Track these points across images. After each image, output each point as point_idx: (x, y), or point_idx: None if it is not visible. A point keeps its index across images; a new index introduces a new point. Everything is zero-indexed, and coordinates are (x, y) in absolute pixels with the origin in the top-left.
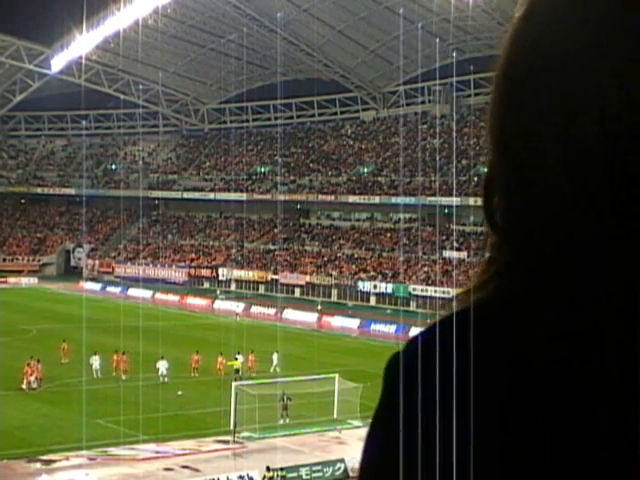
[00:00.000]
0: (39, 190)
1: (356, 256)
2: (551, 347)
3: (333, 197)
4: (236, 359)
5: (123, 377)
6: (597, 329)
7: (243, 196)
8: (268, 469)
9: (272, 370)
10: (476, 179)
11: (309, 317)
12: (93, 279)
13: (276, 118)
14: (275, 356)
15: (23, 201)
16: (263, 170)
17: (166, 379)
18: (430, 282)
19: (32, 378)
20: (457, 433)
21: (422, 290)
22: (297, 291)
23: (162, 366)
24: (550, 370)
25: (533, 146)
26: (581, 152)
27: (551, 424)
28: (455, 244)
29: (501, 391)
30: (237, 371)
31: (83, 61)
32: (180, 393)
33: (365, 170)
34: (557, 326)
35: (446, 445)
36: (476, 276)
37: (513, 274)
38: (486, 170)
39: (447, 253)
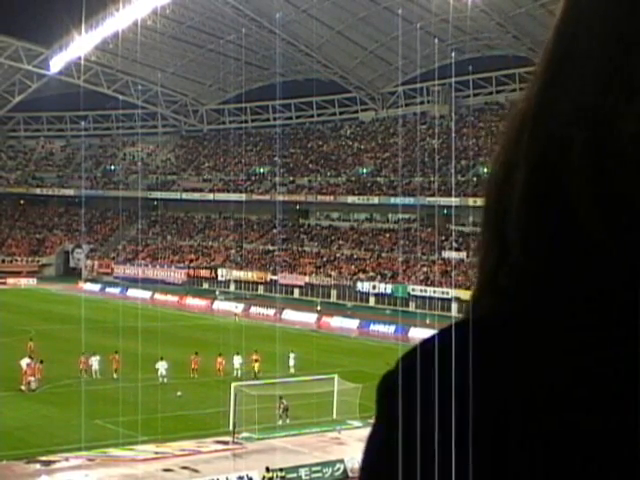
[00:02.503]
0: (38, 191)
1: (355, 256)
2: (557, 363)
3: (332, 197)
4: (256, 360)
5: (114, 376)
6: (606, 339)
7: (242, 197)
8: (267, 470)
9: (292, 371)
10: (475, 179)
11: (308, 317)
12: (92, 280)
13: (275, 119)
14: (292, 356)
15: (22, 202)
16: (262, 171)
17: (165, 380)
18: (429, 282)
19: (31, 379)
20: (444, 459)
21: (421, 290)
22: (296, 291)
23: (161, 367)
24: (559, 389)
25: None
26: (604, 152)
27: (560, 450)
28: (454, 244)
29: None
30: (255, 374)
31: (82, 62)
32: (179, 394)
33: (364, 170)
34: (564, 340)
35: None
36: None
37: (515, 287)
38: (496, 171)
39: (446, 253)
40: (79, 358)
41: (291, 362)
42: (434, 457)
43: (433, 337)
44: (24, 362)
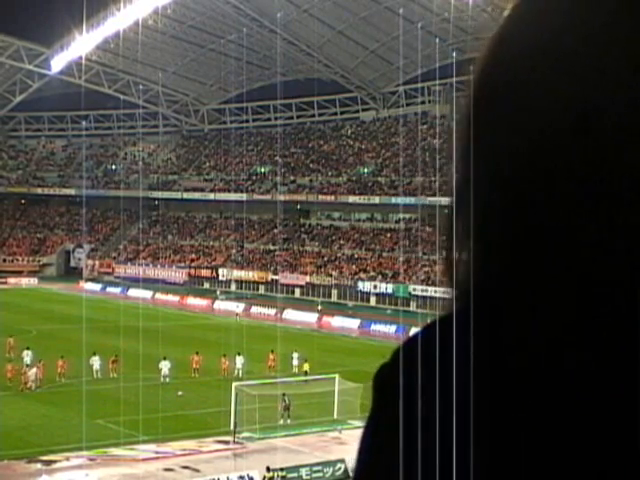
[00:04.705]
0: (39, 191)
1: (356, 256)
2: (537, 352)
3: (333, 197)
4: (305, 361)
5: (112, 375)
6: (578, 340)
7: (243, 196)
8: (268, 469)
9: (295, 370)
10: None
11: (309, 317)
12: (93, 279)
13: (276, 118)
14: (295, 355)
15: (23, 202)
16: (263, 170)
17: (167, 379)
18: (430, 282)
19: (31, 378)
20: (440, 444)
21: (422, 290)
22: (297, 291)
23: (165, 366)
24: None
25: (491, 155)
26: (553, 155)
27: (541, 434)
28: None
29: (485, 401)
30: (305, 373)
31: (83, 61)
32: (180, 393)
33: (365, 170)
34: (538, 339)
35: (430, 453)
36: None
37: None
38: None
39: None
40: (57, 361)
41: (294, 362)
42: (426, 447)
43: (416, 335)
44: (26, 356)
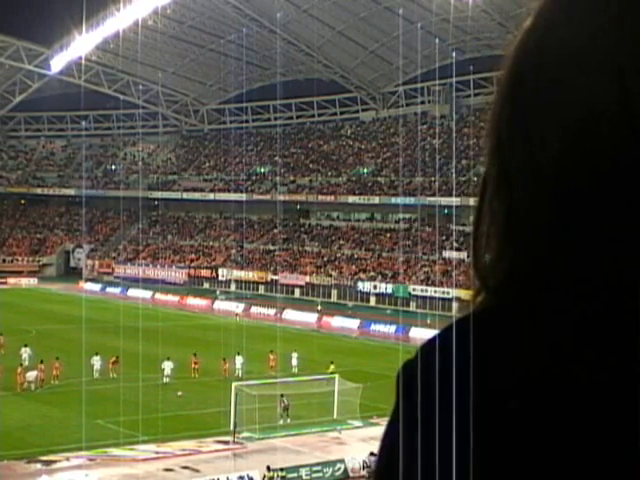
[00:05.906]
0: (39, 191)
1: (356, 256)
2: (554, 356)
3: (333, 197)
4: (332, 362)
5: (112, 375)
6: (600, 335)
7: (243, 196)
8: (268, 469)
9: (295, 370)
10: (476, 179)
11: (309, 317)
12: (93, 280)
13: (276, 118)
14: (294, 355)
15: (23, 202)
16: (263, 170)
17: (168, 380)
18: (430, 282)
19: (30, 379)
20: (456, 439)
21: (422, 290)
22: (297, 291)
23: (167, 367)
24: (556, 380)
25: (525, 147)
26: (574, 156)
27: (555, 436)
28: (455, 244)
29: (500, 400)
30: (331, 374)
31: (83, 62)
32: (180, 394)
33: (365, 170)
34: (559, 333)
35: (444, 449)
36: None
37: (510, 284)
38: (482, 174)
39: (447, 253)
40: (53, 363)
41: (293, 362)
42: (452, 443)
43: (434, 337)
44: (24, 353)
